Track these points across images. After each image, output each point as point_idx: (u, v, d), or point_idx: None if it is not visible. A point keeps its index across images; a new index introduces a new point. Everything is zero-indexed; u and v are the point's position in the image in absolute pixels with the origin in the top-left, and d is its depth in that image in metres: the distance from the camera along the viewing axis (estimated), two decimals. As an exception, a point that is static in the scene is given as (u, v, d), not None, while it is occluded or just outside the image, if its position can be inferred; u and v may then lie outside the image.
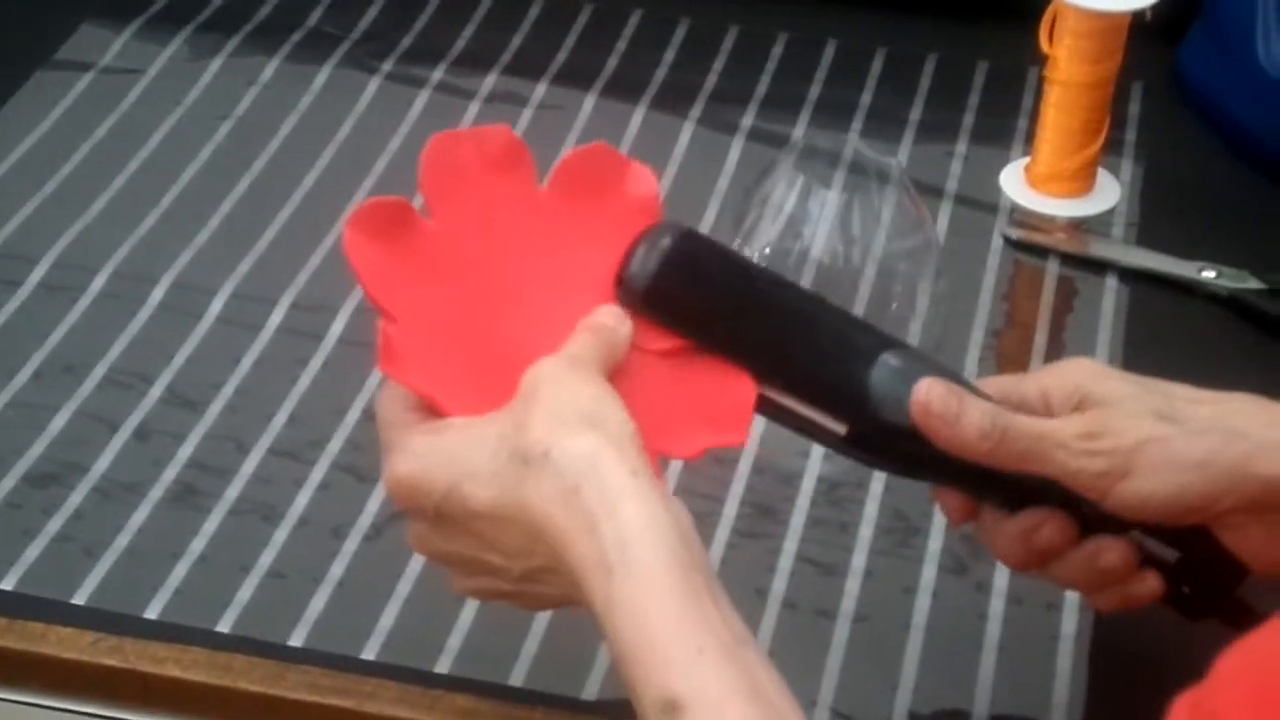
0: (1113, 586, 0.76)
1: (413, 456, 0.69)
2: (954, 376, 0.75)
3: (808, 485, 0.91)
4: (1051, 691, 0.81)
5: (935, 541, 0.88)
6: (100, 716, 0.85)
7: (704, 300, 0.74)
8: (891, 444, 0.75)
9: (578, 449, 0.66)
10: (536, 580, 0.69)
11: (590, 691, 0.81)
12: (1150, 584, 0.76)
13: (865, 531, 0.89)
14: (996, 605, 0.85)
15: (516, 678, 0.81)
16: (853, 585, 0.86)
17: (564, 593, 0.68)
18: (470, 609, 0.84)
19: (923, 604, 0.85)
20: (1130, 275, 1.04)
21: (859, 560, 0.87)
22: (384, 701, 0.81)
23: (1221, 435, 0.72)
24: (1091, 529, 0.75)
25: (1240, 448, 0.71)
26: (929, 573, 0.87)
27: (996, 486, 0.75)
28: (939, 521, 0.88)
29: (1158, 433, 0.72)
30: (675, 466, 0.90)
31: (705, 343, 0.74)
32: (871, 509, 0.89)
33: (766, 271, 0.78)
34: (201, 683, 0.82)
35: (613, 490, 0.65)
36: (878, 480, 0.91)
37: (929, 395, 0.73)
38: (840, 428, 0.75)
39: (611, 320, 0.73)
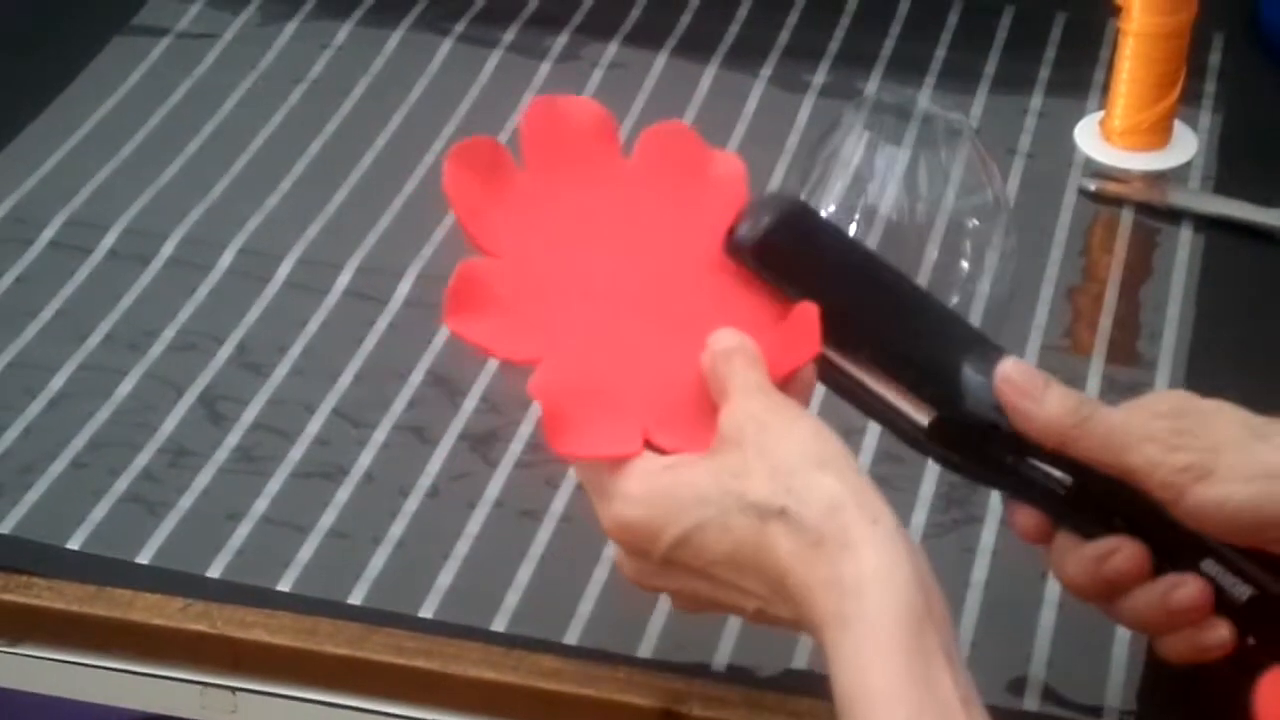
0: (1182, 631, 0.73)
1: (633, 503, 0.69)
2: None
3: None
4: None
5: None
6: (187, 681, 0.86)
7: (812, 261, 0.75)
8: (972, 440, 0.74)
9: (816, 501, 0.66)
10: (770, 616, 0.69)
11: (645, 650, 0.81)
12: (1221, 633, 0.73)
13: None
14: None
15: (572, 636, 0.82)
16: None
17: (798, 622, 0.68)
18: (527, 569, 0.84)
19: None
20: (1207, 224, 1.03)
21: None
22: (468, 664, 0.81)
23: None
24: (1165, 560, 0.73)
25: None
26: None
27: (1072, 503, 0.74)
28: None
29: (1246, 439, 0.70)
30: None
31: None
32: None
33: (874, 253, 0.78)
34: (287, 646, 0.83)
35: (855, 543, 0.65)
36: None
37: (1014, 370, 0.73)
38: (924, 417, 0.74)
39: (742, 339, 0.72)
